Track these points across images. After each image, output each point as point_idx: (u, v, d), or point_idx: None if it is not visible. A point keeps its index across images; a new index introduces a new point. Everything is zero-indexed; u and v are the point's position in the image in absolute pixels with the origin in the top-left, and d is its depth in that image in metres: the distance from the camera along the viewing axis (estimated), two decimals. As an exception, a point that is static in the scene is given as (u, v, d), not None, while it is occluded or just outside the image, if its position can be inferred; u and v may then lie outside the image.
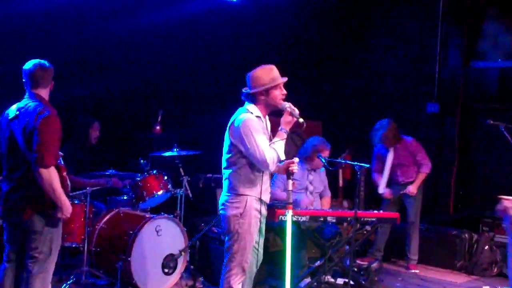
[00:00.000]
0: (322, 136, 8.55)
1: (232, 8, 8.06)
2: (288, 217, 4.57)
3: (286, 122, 4.57)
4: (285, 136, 4.58)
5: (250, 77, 4.65)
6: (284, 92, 4.65)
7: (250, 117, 4.56)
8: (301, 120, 4.55)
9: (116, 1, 7.18)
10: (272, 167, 4.53)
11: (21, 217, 4.23)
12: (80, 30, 6.95)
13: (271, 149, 4.47)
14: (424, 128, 7.87)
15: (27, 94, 4.35)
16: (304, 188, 6.54)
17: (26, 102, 4.30)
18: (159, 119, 7.09)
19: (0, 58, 6.17)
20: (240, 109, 4.71)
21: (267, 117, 4.77)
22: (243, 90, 4.69)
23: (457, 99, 8.48)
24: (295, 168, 4.62)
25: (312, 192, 6.60)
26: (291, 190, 4.58)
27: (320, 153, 6.43)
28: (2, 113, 4.42)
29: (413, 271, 7.37)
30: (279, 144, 4.54)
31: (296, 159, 4.67)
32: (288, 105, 4.59)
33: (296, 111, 4.58)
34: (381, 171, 7.32)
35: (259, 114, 4.63)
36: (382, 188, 7.31)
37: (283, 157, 4.58)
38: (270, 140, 4.60)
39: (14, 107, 4.36)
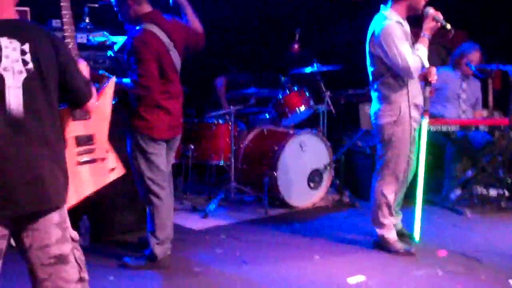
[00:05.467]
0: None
1: None
2: (424, 124, 4.56)
3: (429, 27, 4.37)
4: (427, 42, 4.39)
5: None
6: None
7: (389, 24, 4.36)
8: (448, 26, 4.33)
9: None
10: (416, 75, 4.37)
11: None
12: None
13: (414, 56, 4.28)
14: None
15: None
16: (456, 96, 6.20)
17: None
18: (296, 38, 6.99)
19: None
20: (376, 17, 4.51)
21: (405, 21, 4.54)
22: None
23: None
24: (434, 77, 4.51)
25: (465, 100, 6.23)
26: (428, 97, 4.55)
27: (468, 56, 6.08)
28: None
29: None
30: (422, 51, 4.35)
31: (434, 68, 4.50)
32: (432, 10, 4.36)
33: (440, 16, 4.35)
34: None
35: (399, 18, 4.42)
36: None
37: (427, 64, 4.40)
38: (412, 45, 4.40)
39: None
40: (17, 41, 2.48)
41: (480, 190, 6.05)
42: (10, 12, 2.55)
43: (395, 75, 4.41)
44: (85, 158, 3.22)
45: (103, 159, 3.34)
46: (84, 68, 2.96)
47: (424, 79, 4.53)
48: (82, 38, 4.77)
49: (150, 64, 4.03)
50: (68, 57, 2.70)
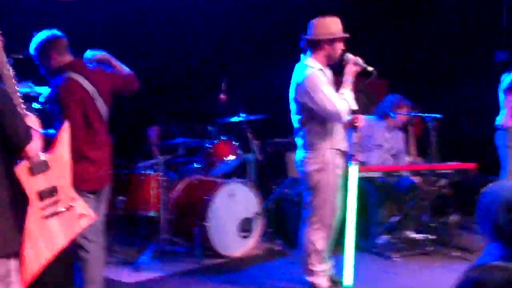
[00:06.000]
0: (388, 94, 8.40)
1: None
2: (353, 170, 4.62)
3: (351, 71, 4.52)
4: (351, 86, 4.52)
5: (315, 24, 4.56)
6: (343, 47, 4.58)
7: (313, 71, 4.50)
8: (370, 68, 4.50)
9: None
10: (345, 118, 4.47)
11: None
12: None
13: (341, 99, 4.41)
14: (494, 79, 7.52)
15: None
16: (378, 145, 6.39)
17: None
18: (223, 88, 7.07)
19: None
20: (298, 66, 4.64)
21: (327, 68, 4.69)
22: (304, 37, 4.59)
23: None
24: (360, 123, 4.63)
25: (387, 150, 6.44)
26: (356, 143, 4.68)
27: (399, 109, 6.31)
28: None
29: None
30: (348, 94, 4.48)
31: (361, 116, 4.63)
32: (351, 56, 4.55)
33: (360, 60, 4.53)
34: None
35: (320, 66, 4.56)
36: None
37: (355, 106, 4.52)
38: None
39: None
40: None
41: (406, 234, 6.22)
42: None
43: (321, 122, 4.52)
44: (51, 210, 3.13)
45: (70, 208, 3.27)
46: (34, 123, 2.93)
47: (351, 125, 4.63)
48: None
49: (74, 112, 3.97)
50: (5, 102, 2.67)
